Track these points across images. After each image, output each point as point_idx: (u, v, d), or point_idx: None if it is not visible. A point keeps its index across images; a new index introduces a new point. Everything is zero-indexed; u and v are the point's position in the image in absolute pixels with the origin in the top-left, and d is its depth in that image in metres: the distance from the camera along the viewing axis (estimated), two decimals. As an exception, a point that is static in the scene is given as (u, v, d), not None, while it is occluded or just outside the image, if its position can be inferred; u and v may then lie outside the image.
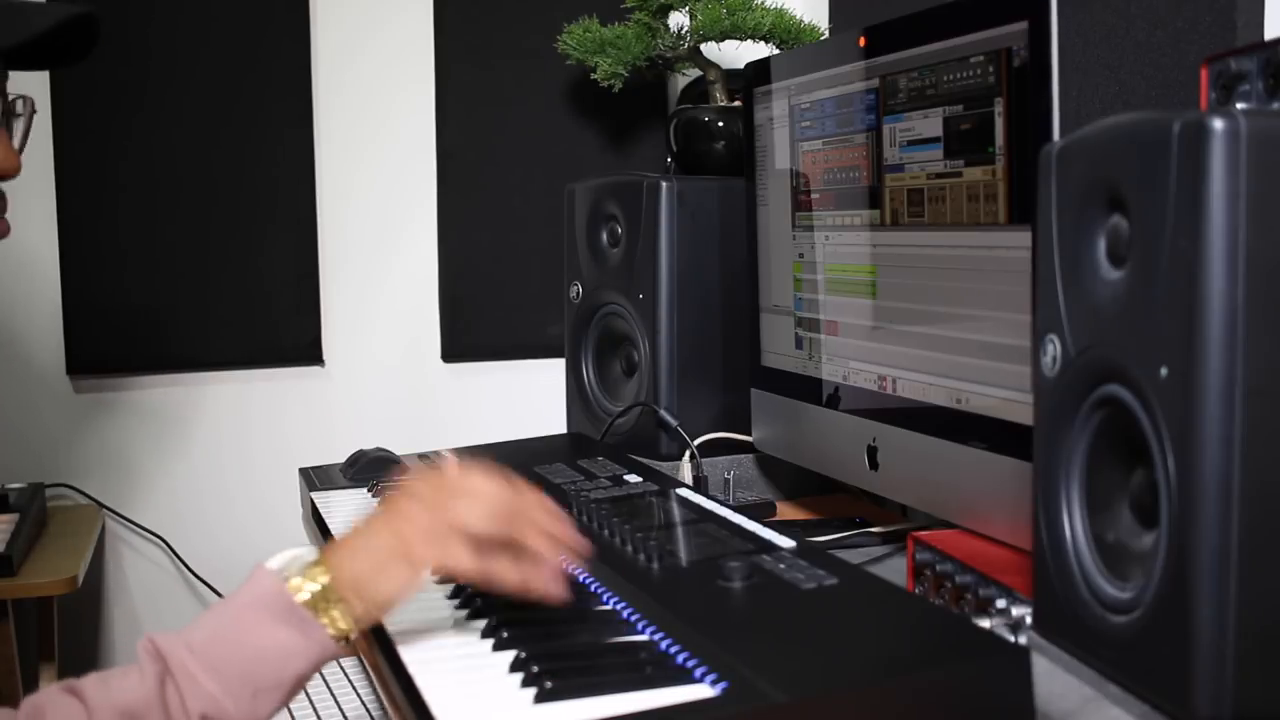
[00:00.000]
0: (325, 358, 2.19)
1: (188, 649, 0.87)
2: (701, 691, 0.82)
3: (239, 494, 2.14)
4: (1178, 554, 0.76)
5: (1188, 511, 0.74)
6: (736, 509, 1.26)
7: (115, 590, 2.13)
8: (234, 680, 0.87)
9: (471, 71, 2.21)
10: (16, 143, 1.22)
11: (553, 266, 2.00)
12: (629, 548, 1.14)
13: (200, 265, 2.10)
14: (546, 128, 2.24)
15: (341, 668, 1.44)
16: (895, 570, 1.33)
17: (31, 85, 1.98)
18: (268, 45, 2.11)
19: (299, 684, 0.91)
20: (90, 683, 0.87)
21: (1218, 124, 0.72)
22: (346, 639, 0.91)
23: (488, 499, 0.95)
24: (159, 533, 2.10)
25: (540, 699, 0.84)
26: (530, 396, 2.24)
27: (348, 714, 1.32)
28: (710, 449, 1.67)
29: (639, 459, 1.59)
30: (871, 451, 1.39)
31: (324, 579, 0.90)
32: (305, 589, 0.90)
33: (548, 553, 0.96)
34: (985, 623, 1.01)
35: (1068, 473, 0.88)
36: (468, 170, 2.23)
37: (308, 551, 0.93)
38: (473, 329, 2.25)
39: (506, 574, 0.94)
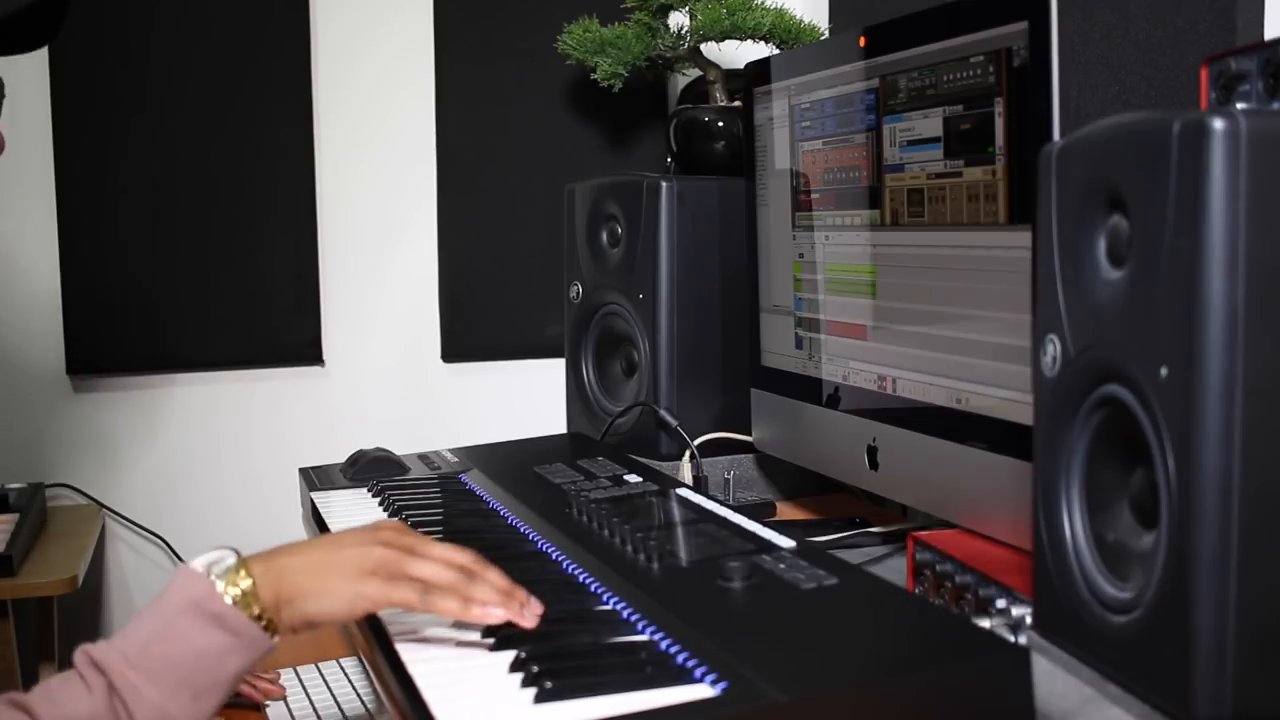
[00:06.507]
0: (325, 358, 2.19)
1: (124, 659, 0.88)
2: (701, 691, 0.82)
3: (239, 494, 2.14)
4: (1178, 554, 0.76)
5: (1188, 511, 0.74)
6: (736, 509, 1.26)
7: (115, 590, 2.13)
8: (174, 686, 0.88)
9: (471, 71, 2.21)
10: None
11: (553, 266, 2.00)
12: (629, 548, 1.14)
13: (200, 265, 2.10)
14: (546, 128, 2.24)
15: (341, 668, 1.44)
16: (895, 570, 1.33)
17: (31, 84, 1.99)
18: (267, 45, 2.11)
19: (237, 680, 0.92)
20: (36, 698, 0.88)
21: (1218, 124, 0.72)
22: (277, 632, 0.92)
23: (448, 561, 0.97)
24: (159, 533, 2.10)
25: (540, 699, 0.84)
26: (530, 396, 2.25)
27: (348, 714, 1.32)
28: (710, 449, 1.67)
29: (639, 459, 1.59)
30: (871, 451, 1.39)
31: (246, 584, 0.91)
32: (229, 593, 0.90)
33: (495, 602, 0.96)
34: (985, 623, 1.01)
35: (1068, 473, 0.88)
36: (468, 170, 2.23)
37: (228, 554, 0.93)
38: (473, 329, 2.26)
39: (450, 606, 0.94)
